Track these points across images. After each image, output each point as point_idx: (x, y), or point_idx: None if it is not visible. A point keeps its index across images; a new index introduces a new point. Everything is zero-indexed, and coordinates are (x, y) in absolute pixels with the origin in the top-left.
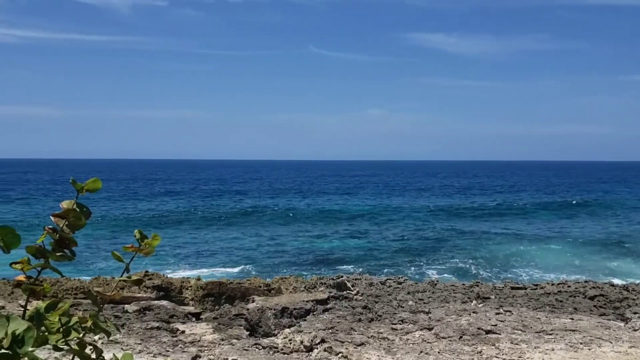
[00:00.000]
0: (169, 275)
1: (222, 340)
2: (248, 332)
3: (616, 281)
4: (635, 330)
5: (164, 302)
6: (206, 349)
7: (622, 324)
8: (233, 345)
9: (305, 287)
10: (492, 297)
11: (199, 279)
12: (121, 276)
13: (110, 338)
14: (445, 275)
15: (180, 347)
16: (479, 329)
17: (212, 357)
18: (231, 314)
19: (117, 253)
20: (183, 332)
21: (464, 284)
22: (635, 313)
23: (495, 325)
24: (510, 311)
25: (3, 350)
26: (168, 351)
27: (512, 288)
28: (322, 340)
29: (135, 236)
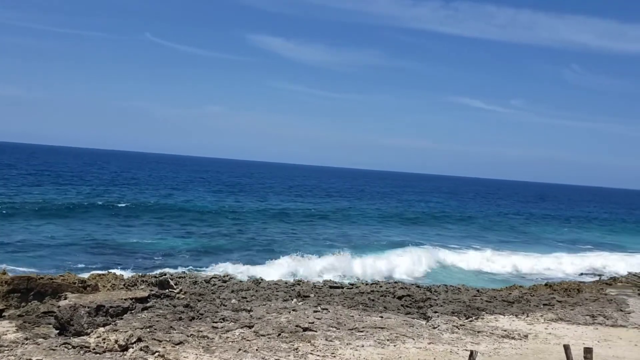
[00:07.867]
0: None
1: (27, 339)
2: (57, 331)
3: (421, 282)
4: (434, 327)
5: None
6: (6, 349)
7: (423, 322)
8: (38, 344)
9: (125, 285)
10: (312, 295)
11: (4, 272)
12: None
13: None
14: (271, 273)
15: None
16: (297, 326)
17: (12, 357)
18: (39, 312)
19: None
20: None
21: (286, 283)
22: (435, 312)
23: (313, 322)
24: (327, 309)
25: None
26: None
27: (331, 287)
28: (139, 339)
29: None
